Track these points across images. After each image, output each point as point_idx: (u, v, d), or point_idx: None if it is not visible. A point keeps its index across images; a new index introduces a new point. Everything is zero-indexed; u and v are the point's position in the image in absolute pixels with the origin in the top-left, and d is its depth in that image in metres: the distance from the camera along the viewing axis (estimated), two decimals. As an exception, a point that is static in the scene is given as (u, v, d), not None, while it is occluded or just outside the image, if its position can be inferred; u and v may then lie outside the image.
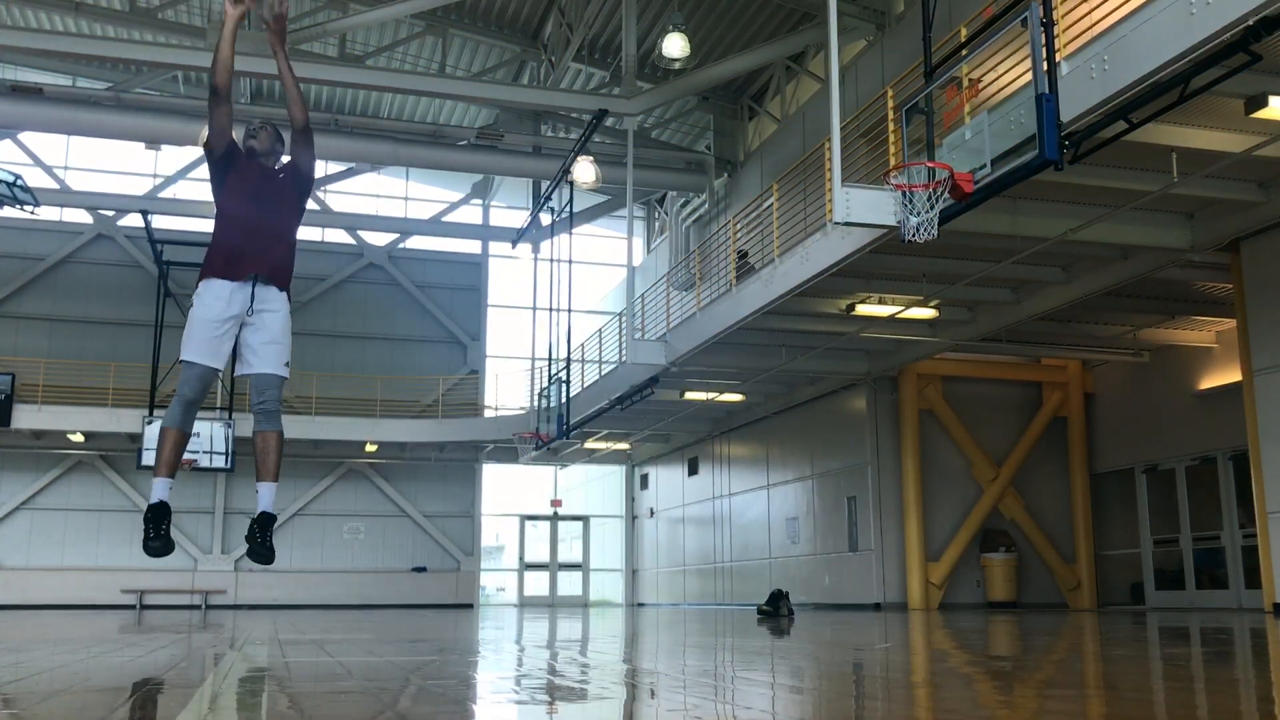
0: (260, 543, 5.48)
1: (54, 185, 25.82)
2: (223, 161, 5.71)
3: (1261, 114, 9.45)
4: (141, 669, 3.10)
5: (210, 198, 5.89)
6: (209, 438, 23.69)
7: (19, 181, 21.16)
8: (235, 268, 5.44)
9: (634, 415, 21.97)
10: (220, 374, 5.45)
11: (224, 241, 5.54)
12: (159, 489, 5.31)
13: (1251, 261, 12.32)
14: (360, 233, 28.55)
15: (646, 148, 23.60)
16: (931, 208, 9.09)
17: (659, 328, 19.78)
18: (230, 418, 24.11)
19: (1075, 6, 9.56)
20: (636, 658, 3.83)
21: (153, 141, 22.16)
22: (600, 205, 27.23)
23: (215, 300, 5.40)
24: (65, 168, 26.84)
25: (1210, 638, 5.46)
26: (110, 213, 26.53)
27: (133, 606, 24.17)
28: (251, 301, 5.43)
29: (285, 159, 6.00)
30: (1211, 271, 13.87)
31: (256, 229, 5.59)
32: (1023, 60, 8.84)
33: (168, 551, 5.41)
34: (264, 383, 5.40)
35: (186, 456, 23.53)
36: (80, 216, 26.77)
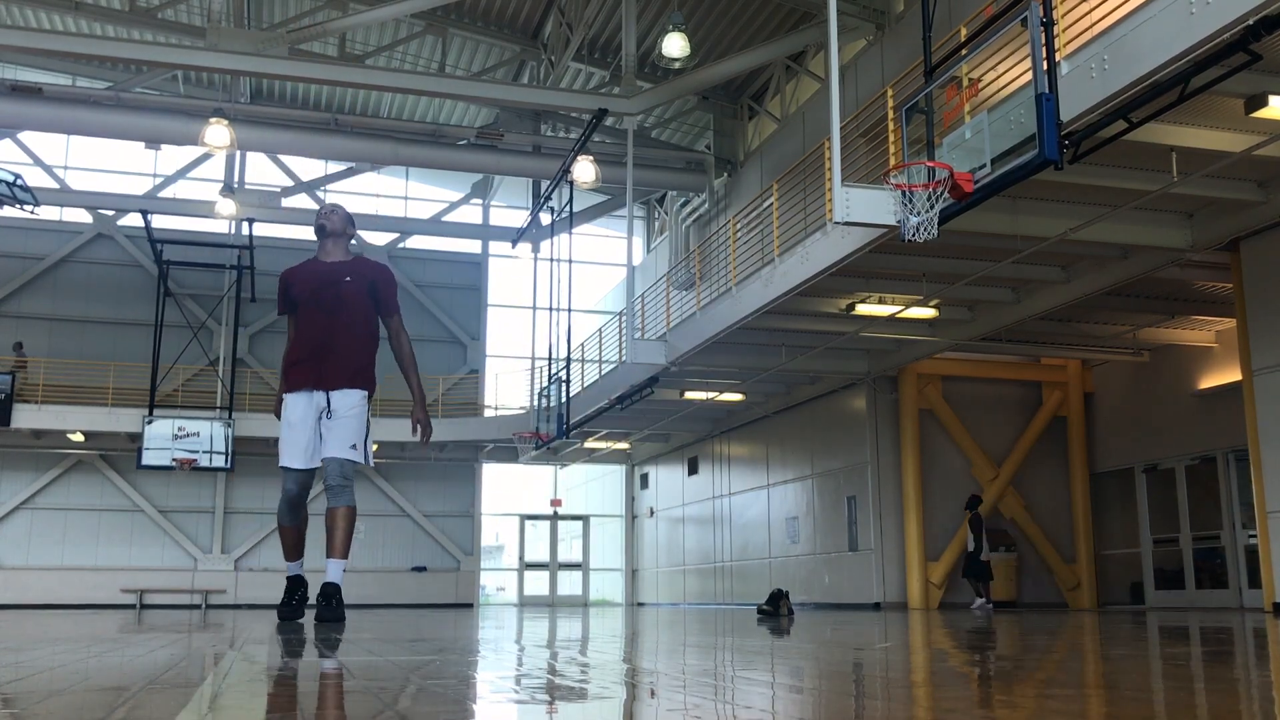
0: (326, 607, 5.95)
1: (54, 185, 25.83)
2: (288, 306, 6.25)
3: (1261, 113, 9.45)
4: (141, 669, 3.10)
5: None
6: (209, 437, 23.71)
7: (19, 181, 21.16)
8: (311, 382, 5.96)
9: (634, 415, 21.97)
10: (313, 473, 5.95)
11: (296, 357, 6.05)
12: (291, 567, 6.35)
13: (1251, 261, 12.32)
14: (360, 232, 28.54)
15: (646, 147, 23.60)
16: (931, 207, 9.09)
17: (659, 327, 19.79)
18: (230, 417, 24.12)
19: (1075, 6, 9.56)
20: (636, 658, 3.83)
21: (153, 141, 22.18)
22: (600, 205, 27.24)
23: (294, 412, 5.98)
24: (65, 167, 26.85)
25: (1211, 637, 5.46)
26: (110, 212, 26.54)
27: (133, 606, 24.15)
28: (328, 405, 5.95)
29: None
30: (1211, 271, 13.87)
31: (328, 343, 6.01)
32: (1023, 60, 8.83)
33: (296, 617, 6.16)
34: (331, 464, 5.94)
35: (186, 456, 23.64)
36: (80, 216, 26.78)
